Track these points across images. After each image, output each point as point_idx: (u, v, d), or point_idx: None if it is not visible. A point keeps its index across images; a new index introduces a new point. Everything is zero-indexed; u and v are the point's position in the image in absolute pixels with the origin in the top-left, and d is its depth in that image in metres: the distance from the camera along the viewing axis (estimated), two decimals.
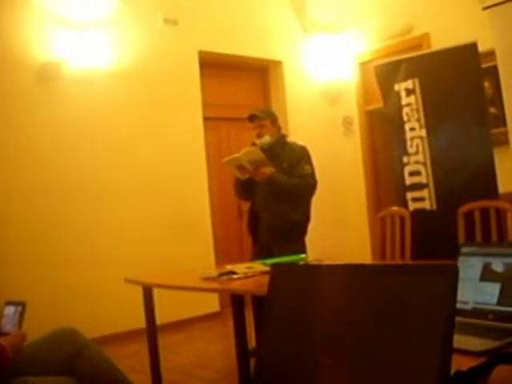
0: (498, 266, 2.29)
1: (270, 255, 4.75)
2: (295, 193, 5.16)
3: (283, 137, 5.48)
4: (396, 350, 1.45)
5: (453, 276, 1.37)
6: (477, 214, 4.99)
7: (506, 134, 6.07)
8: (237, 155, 5.06)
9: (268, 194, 5.17)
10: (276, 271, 1.84)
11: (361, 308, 1.57)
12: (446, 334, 1.34)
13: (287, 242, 5.05)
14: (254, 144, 5.25)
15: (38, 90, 6.45)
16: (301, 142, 5.46)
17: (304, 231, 5.30)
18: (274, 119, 5.41)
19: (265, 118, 5.33)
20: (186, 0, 7.77)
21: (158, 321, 4.63)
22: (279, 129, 5.46)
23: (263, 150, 5.08)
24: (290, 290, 1.79)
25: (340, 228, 8.76)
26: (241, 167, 5.06)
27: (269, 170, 5.05)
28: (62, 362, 2.73)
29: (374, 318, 1.52)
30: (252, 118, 5.32)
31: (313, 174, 5.22)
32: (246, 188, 5.32)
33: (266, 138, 5.23)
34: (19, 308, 2.89)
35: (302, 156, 5.26)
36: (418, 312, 1.42)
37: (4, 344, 2.51)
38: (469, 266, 2.39)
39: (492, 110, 6.64)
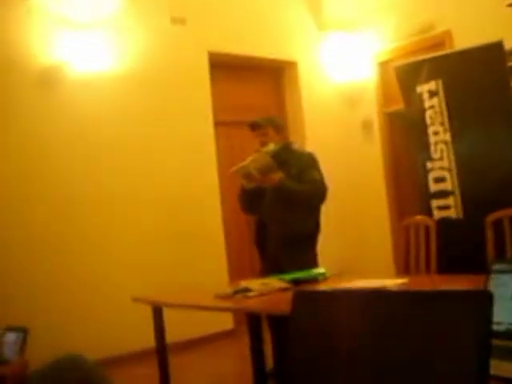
0: None
1: (280, 269, 4.69)
2: (306, 199, 5.12)
3: (289, 144, 5.45)
4: (427, 380, 1.43)
5: (486, 303, 1.35)
6: (506, 223, 4.95)
7: None
8: (244, 163, 5.04)
9: (277, 203, 5.11)
10: (299, 297, 1.82)
11: (388, 336, 1.55)
12: (481, 364, 1.32)
13: (298, 254, 5.01)
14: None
15: (40, 94, 6.43)
16: (308, 149, 5.41)
17: (315, 241, 5.26)
18: (277, 127, 5.35)
19: (267, 125, 5.26)
20: None
21: (168, 339, 4.59)
22: (283, 136, 5.41)
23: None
24: (314, 316, 1.77)
25: (360, 239, 8.69)
26: (247, 175, 5.03)
27: (278, 175, 5.01)
28: None
29: (403, 347, 1.51)
30: (253, 127, 5.28)
31: (322, 181, 5.16)
32: (253, 199, 5.27)
33: (270, 147, 5.17)
34: (21, 334, 2.86)
35: (310, 162, 5.22)
36: (451, 340, 1.40)
37: (5, 374, 2.49)
38: (501, 285, 2.36)
39: None
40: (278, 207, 5.12)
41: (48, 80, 6.48)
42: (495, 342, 2.11)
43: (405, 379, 1.48)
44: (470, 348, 1.34)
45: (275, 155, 5.11)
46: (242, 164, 5.07)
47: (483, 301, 1.36)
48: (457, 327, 1.39)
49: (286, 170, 5.07)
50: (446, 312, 1.44)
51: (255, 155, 5.08)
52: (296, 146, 5.57)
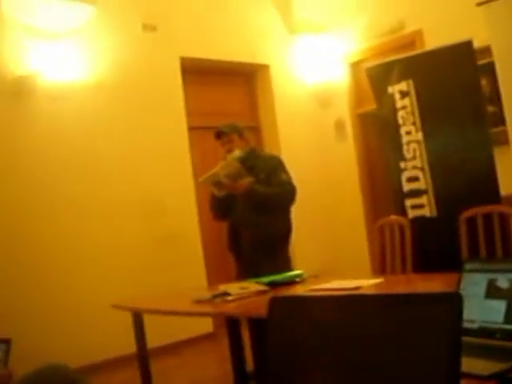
0: (502, 282, 2.32)
1: (256, 272, 4.73)
2: (277, 202, 5.21)
3: (254, 149, 5.58)
4: (401, 380, 1.48)
5: (457, 304, 1.40)
6: (479, 220, 5.02)
7: (505, 133, 6.10)
8: (213, 171, 5.10)
9: (248, 207, 5.18)
10: (274, 303, 1.86)
11: (364, 339, 1.60)
12: (452, 363, 1.37)
13: (273, 256, 5.09)
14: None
15: (11, 105, 6.41)
16: (273, 152, 5.49)
17: (288, 242, 5.36)
18: (240, 132, 5.42)
19: (232, 132, 5.33)
20: (166, 4, 7.75)
21: (149, 344, 4.60)
22: (247, 141, 5.50)
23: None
24: (290, 321, 1.81)
25: (336, 240, 8.73)
26: (217, 183, 5.10)
27: (247, 180, 5.08)
28: None
29: (378, 349, 1.55)
30: (219, 135, 5.34)
31: (291, 182, 5.26)
32: (225, 205, 5.32)
33: (236, 153, 5.25)
34: (4, 345, 2.88)
35: (277, 165, 5.32)
36: (423, 341, 1.45)
37: None
38: (473, 283, 2.42)
39: (490, 108, 6.68)
40: (250, 212, 5.18)
41: (19, 91, 6.43)
42: (468, 339, 2.18)
43: (378, 380, 1.53)
44: (441, 349, 1.39)
45: (243, 161, 5.18)
46: (210, 172, 5.13)
47: (454, 302, 1.40)
48: (429, 329, 1.44)
49: (254, 174, 5.14)
50: (418, 314, 1.48)
51: (223, 162, 5.15)
52: (262, 150, 5.65)
